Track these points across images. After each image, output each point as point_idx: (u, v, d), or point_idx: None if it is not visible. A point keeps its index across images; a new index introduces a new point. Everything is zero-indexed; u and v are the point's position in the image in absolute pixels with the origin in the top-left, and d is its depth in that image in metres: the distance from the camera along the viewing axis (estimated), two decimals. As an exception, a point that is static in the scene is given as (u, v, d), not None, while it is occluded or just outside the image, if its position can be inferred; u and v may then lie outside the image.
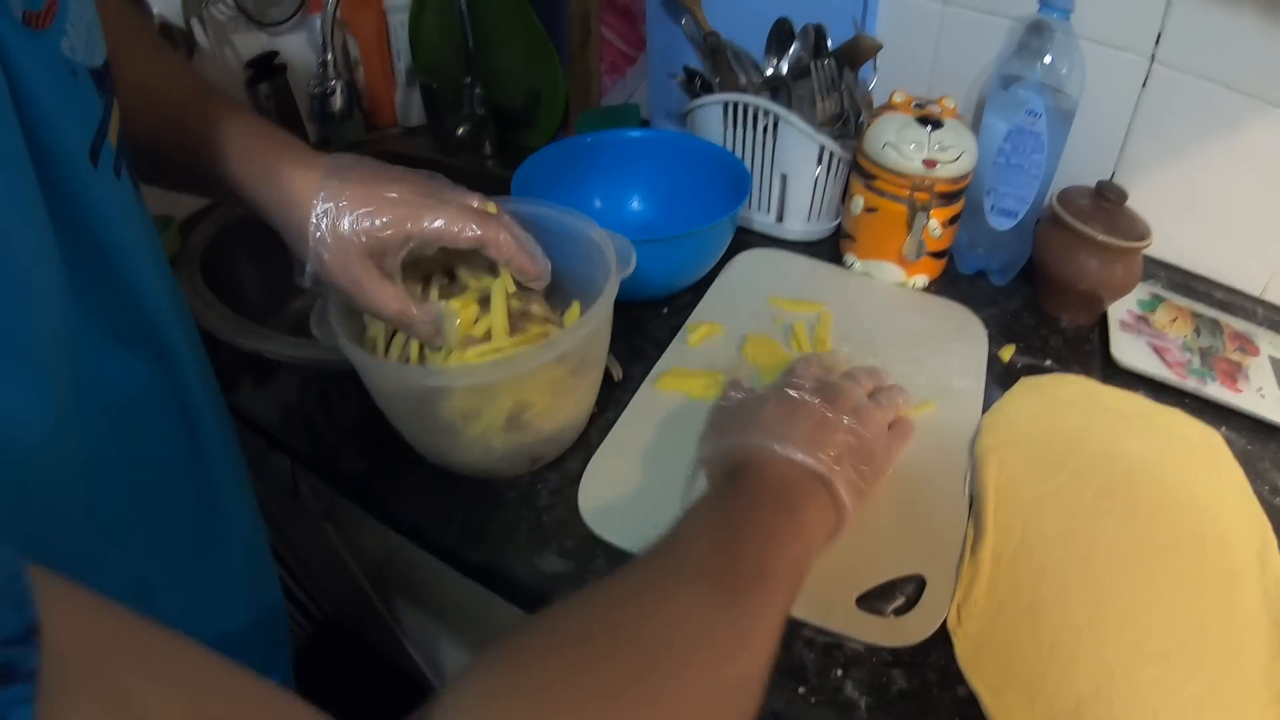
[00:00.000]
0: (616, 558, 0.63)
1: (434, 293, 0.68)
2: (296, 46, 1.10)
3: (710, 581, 0.44)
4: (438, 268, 0.69)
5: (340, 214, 0.56)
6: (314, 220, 0.55)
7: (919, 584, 0.60)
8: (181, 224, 1.03)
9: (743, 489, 0.52)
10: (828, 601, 0.58)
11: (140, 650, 0.24)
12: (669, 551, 0.47)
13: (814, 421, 0.56)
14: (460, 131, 1.13)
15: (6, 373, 0.31)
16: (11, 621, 0.20)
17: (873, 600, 0.59)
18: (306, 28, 1.12)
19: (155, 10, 0.95)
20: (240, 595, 0.60)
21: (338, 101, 1.06)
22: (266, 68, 1.08)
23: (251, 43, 1.08)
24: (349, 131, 1.18)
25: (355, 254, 0.56)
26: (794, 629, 0.58)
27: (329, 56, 1.04)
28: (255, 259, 1.05)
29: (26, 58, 0.32)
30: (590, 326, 0.62)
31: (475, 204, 0.62)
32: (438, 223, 0.58)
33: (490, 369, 0.62)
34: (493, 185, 0.87)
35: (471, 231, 0.59)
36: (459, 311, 0.65)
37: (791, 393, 0.59)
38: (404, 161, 1.13)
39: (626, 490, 0.68)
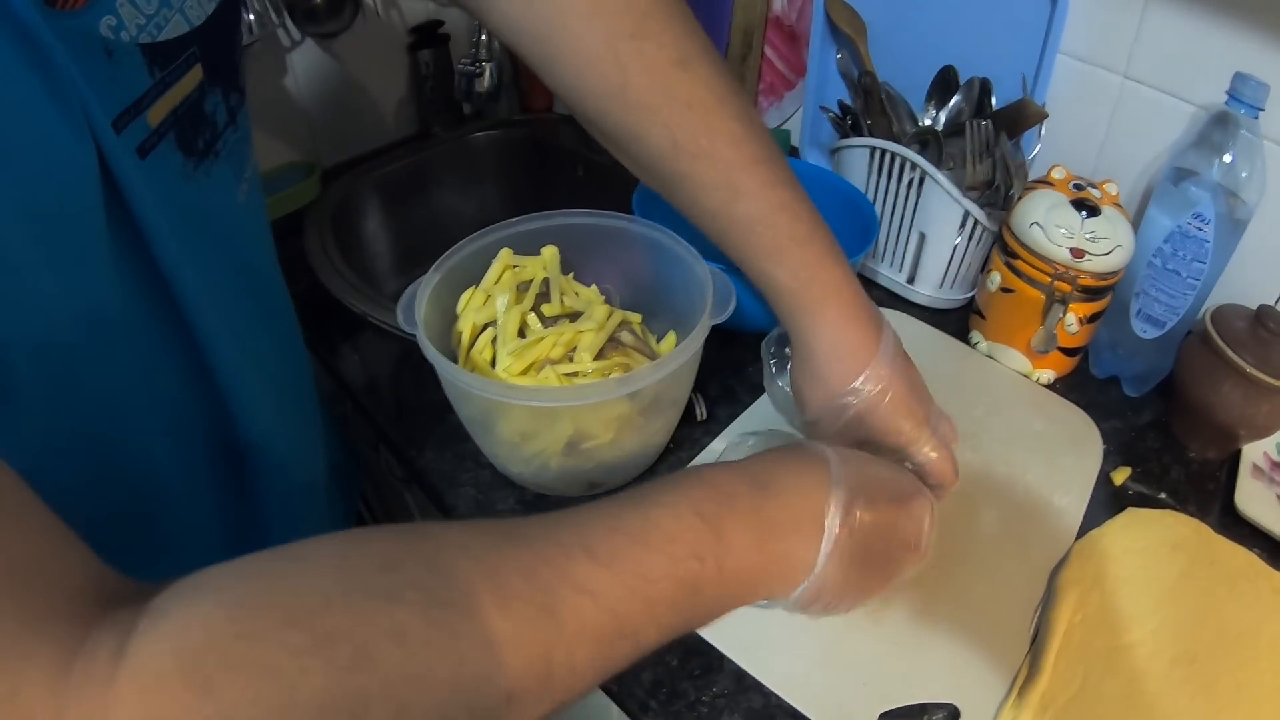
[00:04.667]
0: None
1: (528, 305, 0.69)
2: (461, 18, 1.12)
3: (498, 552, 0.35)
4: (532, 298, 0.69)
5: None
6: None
7: (951, 714, 0.55)
8: (324, 173, 1.07)
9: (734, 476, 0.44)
10: (848, 709, 0.55)
11: None
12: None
13: (884, 486, 0.47)
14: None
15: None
16: None
17: (898, 720, 0.55)
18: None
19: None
20: None
21: (484, 83, 1.06)
22: (430, 36, 1.10)
23: (418, 9, 1.10)
24: (500, 110, 1.19)
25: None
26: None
27: (482, 37, 1.05)
28: (391, 221, 1.07)
29: (45, 35, 0.33)
30: (668, 370, 0.60)
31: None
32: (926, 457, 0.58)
33: (550, 394, 0.61)
34: (629, 186, 0.86)
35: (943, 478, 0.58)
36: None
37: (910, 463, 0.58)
38: (552, 152, 1.14)
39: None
